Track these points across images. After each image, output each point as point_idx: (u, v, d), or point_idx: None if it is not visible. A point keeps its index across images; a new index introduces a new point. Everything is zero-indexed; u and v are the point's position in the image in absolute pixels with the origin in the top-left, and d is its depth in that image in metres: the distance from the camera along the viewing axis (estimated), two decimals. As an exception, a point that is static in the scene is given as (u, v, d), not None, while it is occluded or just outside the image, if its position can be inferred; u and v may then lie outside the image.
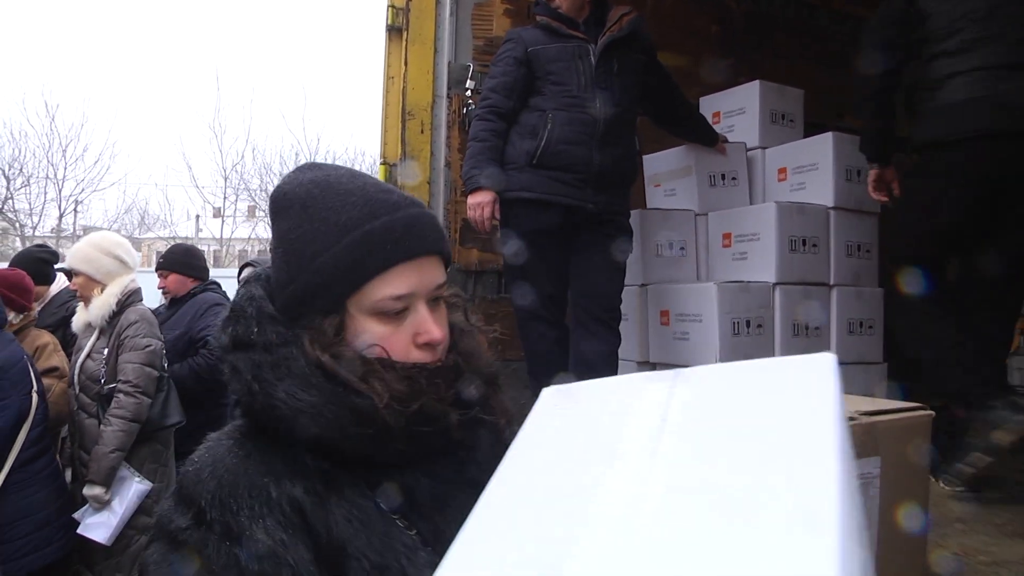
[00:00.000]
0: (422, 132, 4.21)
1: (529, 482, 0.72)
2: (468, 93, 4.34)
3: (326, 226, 1.11)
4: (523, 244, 3.42)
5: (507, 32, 3.85)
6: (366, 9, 62.40)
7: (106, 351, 3.69)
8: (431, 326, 1.16)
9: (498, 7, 4.51)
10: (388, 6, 4.26)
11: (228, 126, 48.92)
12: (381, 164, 4.21)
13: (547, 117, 3.52)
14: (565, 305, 3.68)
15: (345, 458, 1.09)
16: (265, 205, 27.22)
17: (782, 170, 4.19)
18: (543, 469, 0.73)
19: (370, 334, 1.12)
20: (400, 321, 1.14)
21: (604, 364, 3.52)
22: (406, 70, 4.22)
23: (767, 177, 4.29)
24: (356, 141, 56.90)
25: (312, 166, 1.19)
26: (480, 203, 3.41)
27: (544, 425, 0.84)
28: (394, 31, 4.27)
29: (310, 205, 1.13)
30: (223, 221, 28.98)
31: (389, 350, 1.12)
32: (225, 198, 28.27)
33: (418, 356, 1.15)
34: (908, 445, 1.79)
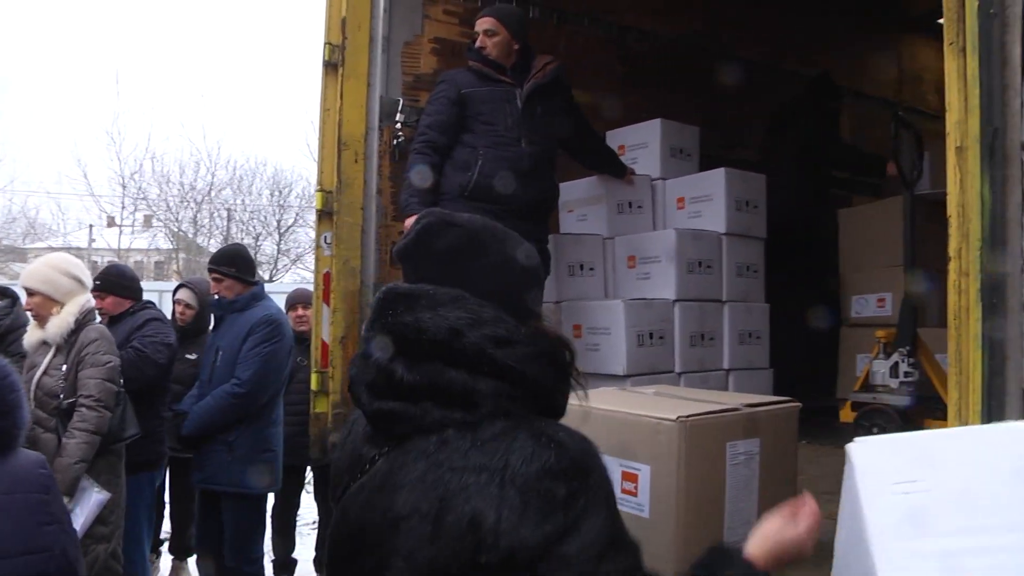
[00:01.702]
0: (356, 162, 4.51)
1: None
2: (398, 126, 4.69)
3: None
4: None
5: (442, 74, 4.29)
6: (269, 19, 61.46)
7: (64, 367, 3.86)
8: None
9: (426, 46, 4.87)
10: (325, 43, 4.54)
11: (127, 133, 47.32)
12: (318, 191, 4.50)
13: (478, 154, 3.99)
14: None
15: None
16: (163, 214, 26.19)
17: (680, 200, 4.70)
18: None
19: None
20: None
21: None
22: (341, 103, 4.50)
23: (667, 206, 4.79)
24: (258, 150, 55.93)
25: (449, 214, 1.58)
26: (406, 229, 3.81)
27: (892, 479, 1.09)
28: (330, 67, 4.55)
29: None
30: (120, 232, 28.16)
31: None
32: (123, 208, 27.45)
33: None
34: (781, 430, 2.27)
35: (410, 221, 3.85)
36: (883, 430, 3.86)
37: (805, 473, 3.56)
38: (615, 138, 5.07)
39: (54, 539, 2.23)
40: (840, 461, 3.60)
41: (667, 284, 4.35)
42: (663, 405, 1.92)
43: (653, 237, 4.54)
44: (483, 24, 4.19)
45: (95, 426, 3.76)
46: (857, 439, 1.17)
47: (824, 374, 5.37)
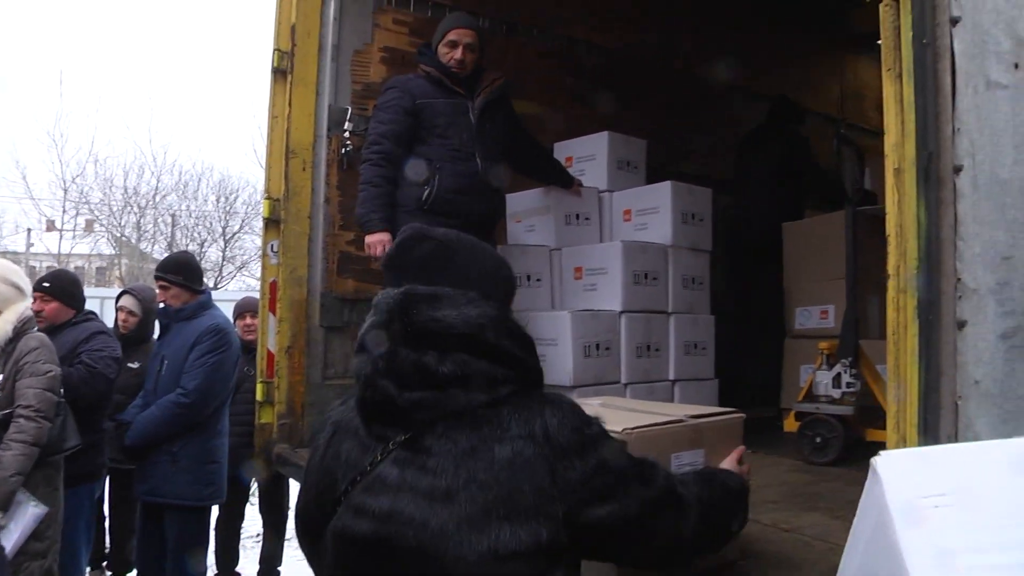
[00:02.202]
0: (304, 170, 4.51)
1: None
2: (346, 134, 4.68)
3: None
4: None
5: (391, 79, 4.23)
6: (219, 21, 60.65)
7: (1, 377, 3.77)
8: None
9: (375, 55, 4.88)
10: (274, 50, 4.53)
11: (70, 135, 46.27)
12: (265, 199, 4.48)
13: (435, 167, 3.95)
14: None
15: None
16: (107, 220, 25.65)
17: (627, 212, 4.75)
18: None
19: None
20: None
21: None
22: (290, 111, 4.50)
23: (614, 218, 4.83)
24: (204, 155, 55.03)
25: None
26: (378, 241, 3.82)
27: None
28: (279, 73, 4.55)
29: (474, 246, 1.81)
30: (61, 236, 27.55)
31: None
32: (65, 212, 26.87)
33: None
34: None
35: (373, 238, 3.86)
36: (825, 440, 3.94)
37: (751, 481, 3.63)
38: (563, 150, 5.10)
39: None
40: (783, 470, 3.72)
41: (613, 295, 4.38)
42: (609, 417, 1.95)
43: (600, 249, 4.57)
44: (466, 37, 4.12)
45: (33, 437, 3.66)
46: (882, 452, 1.20)
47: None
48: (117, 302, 5.32)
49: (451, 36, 4.12)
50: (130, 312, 5.21)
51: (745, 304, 5.88)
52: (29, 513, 3.66)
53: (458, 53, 4.10)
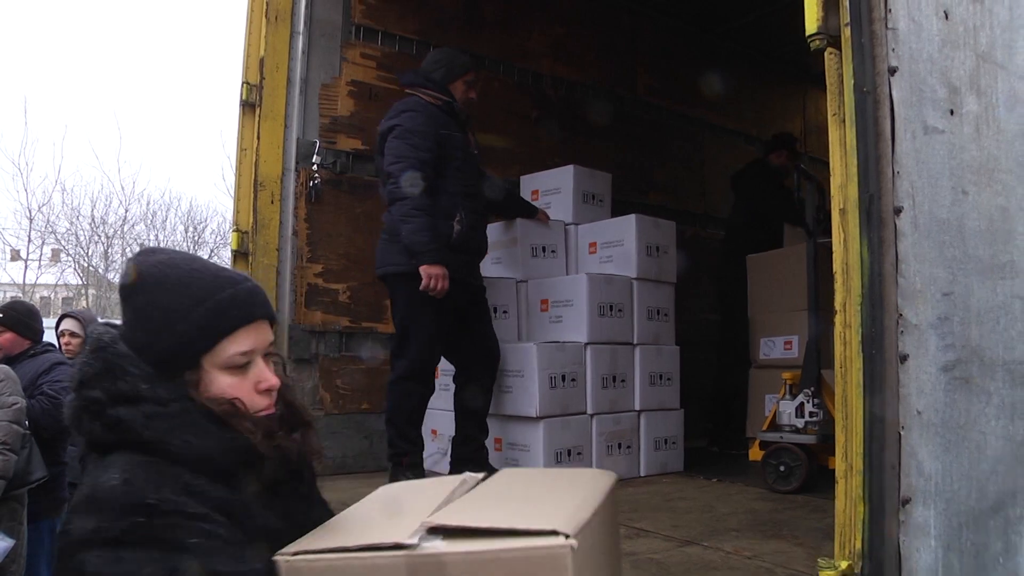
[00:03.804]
0: (272, 202, 4.54)
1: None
2: (315, 167, 4.73)
3: (180, 298, 1.39)
4: (432, 314, 3.86)
5: (409, 102, 4.05)
6: (187, 50, 60.50)
7: None
8: (270, 375, 1.46)
9: (343, 88, 4.93)
10: (243, 83, 4.57)
11: (35, 163, 45.80)
12: (233, 231, 4.50)
13: (458, 202, 3.95)
14: (435, 367, 4.13)
15: (227, 480, 1.36)
16: (74, 249, 25.25)
17: (592, 244, 4.82)
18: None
19: (220, 385, 1.40)
20: (244, 373, 1.43)
21: (486, 414, 4.15)
22: (258, 143, 4.53)
23: (580, 250, 4.90)
24: (173, 185, 54.63)
25: (153, 250, 1.52)
26: (437, 275, 3.72)
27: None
28: (248, 106, 4.58)
29: (164, 281, 1.41)
30: (26, 266, 27.21)
31: (241, 396, 1.41)
32: (30, 241, 26.55)
33: (260, 401, 1.44)
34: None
35: (435, 269, 3.74)
36: (789, 468, 4.01)
37: (715, 511, 3.70)
38: (529, 183, 5.18)
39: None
40: (748, 498, 3.78)
41: (579, 327, 4.44)
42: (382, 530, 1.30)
43: (566, 281, 4.63)
44: (471, 78, 4.23)
45: (1, 470, 3.64)
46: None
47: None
48: (58, 327, 5.21)
49: (470, 76, 4.18)
50: (72, 334, 5.09)
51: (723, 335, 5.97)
52: None
53: (473, 93, 4.17)
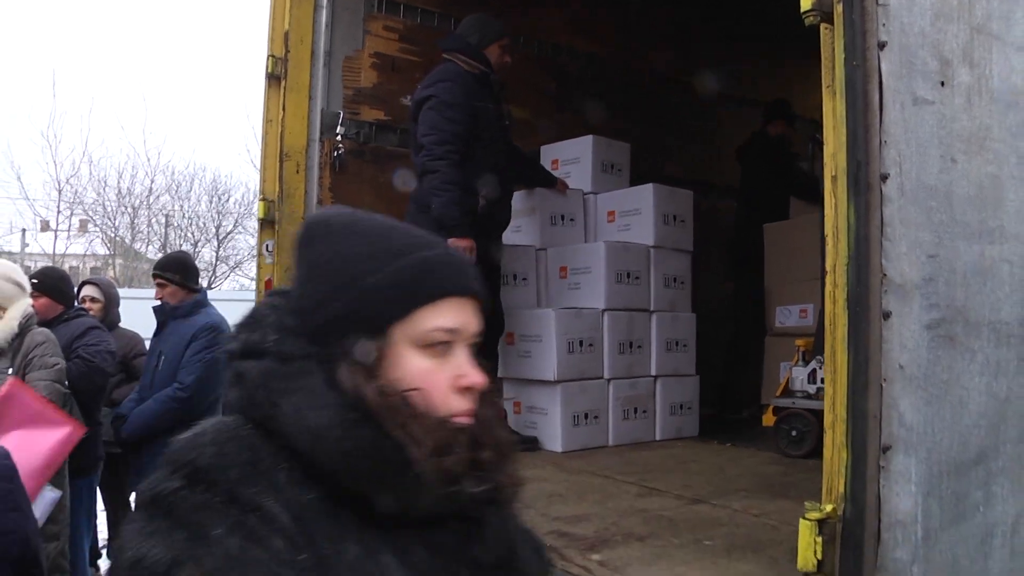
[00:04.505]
0: (297, 172, 4.65)
1: None
2: (338, 138, 4.84)
3: (375, 249, 1.07)
4: None
5: (443, 70, 4.14)
6: (212, 22, 60.57)
7: (10, 371, 3.90)
8: (475, 370, 1.09)
9: (366, 60, 5.02)
10: (268, 56, 4.67)
11: (64, 135, 46.22)
12: (260, 200, 4.62)
13: (488, 177, 3.98)
14: None
15: (336, 493, 1.00)
16: (101, 220, 25.53)
17: (611, 213, 4.92)
18: None
19: (409, 366, 1.05)
20: (444, 358, 1.07)
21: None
22: (284, 115, 4.64)
23: (599, 219, 5.01)
24: (197, 156, 55.00)
25: (336, 206, 1.40)
26: (471, 247, 3.77)
27: None
28: (273, 79, 4.68)
29: (357, 230, 1.11)
30: (55, 236, 27.62)
31: (430, 389, 1.05)
32: (59, 212, 26.93)
33: (455, 402, 1.07)
34: None
35: (465, 243, 3.74)
36: (800, 433, 4.10)
37: (726, 473, 3.82)
38: (549, 153, 5.28)
39: (16, 524, 2.32)
40: (759, 462, 3.88)
41: (597, 294, 4.56)
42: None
43: (584, 249, 4.75)
44: (506, 42, 4.23)
45: None
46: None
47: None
48: (78, 293, 5.35)
49: (505, 41, 4.21)
50: (92, 299, 5.27)
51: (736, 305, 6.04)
52: (46, 497, 3.74)
53: (508, 58, 4.20)
